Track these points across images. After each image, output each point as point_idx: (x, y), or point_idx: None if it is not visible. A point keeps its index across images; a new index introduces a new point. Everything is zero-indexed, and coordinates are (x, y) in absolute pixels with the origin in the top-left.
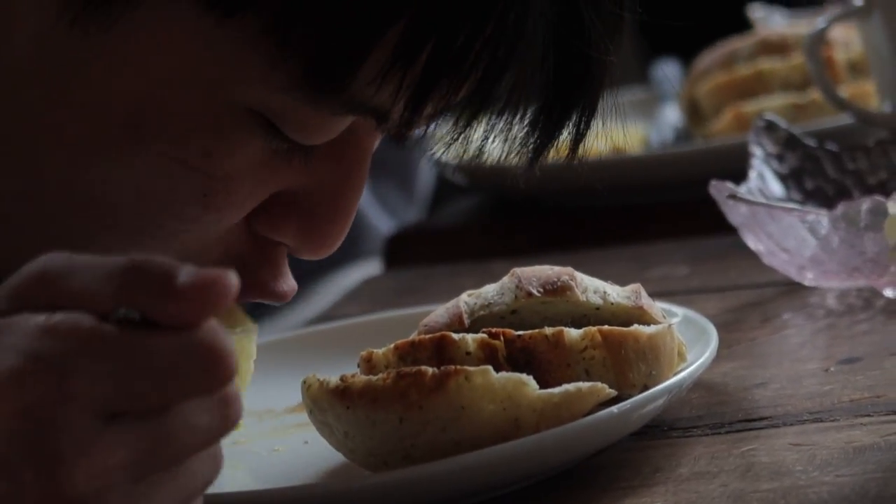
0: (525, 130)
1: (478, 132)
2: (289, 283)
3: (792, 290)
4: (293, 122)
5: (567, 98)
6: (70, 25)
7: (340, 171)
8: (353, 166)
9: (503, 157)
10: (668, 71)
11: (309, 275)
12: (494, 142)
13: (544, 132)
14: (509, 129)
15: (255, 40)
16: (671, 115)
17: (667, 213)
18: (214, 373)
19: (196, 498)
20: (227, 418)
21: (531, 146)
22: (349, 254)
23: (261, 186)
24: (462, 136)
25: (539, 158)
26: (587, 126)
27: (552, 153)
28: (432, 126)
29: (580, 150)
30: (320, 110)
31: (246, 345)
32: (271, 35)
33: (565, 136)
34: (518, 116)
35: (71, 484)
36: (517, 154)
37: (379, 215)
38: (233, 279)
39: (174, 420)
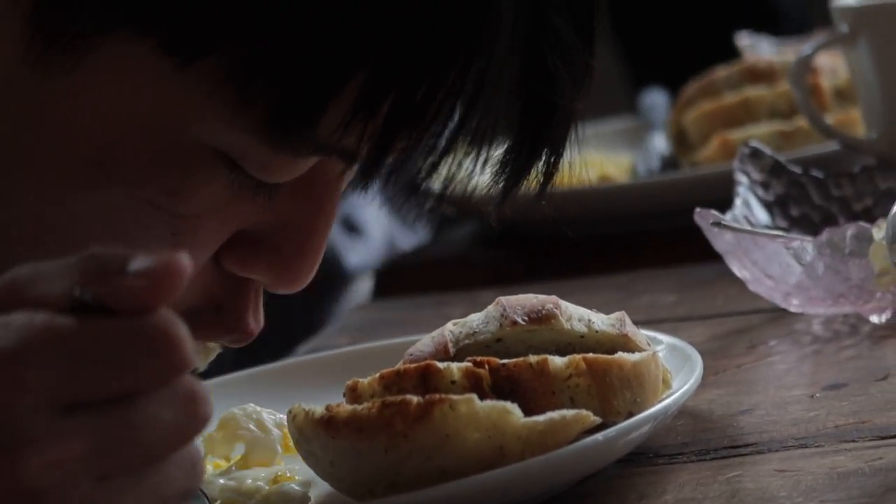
0: (494, 169)
1: (449, 168)
2: (258, 319)
3: (777, 316)
4: (256, 161)
5: (534, 140)
6: (34, 66)
7: (308, 208)
8: (321, 203)
9: (474, 192)
10: (655, 99)
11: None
12: (467, 177)
13: (513, 171)
14: (478, 167)
15: (216, 86)
16: (658, 144)
17: (653, 241)
18: (169, 358)
19: None
20: (196, 416)
21: (501, 184)
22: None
23: (226, 224)
24: (433, 170)
25: (509, 195)
26: (556, 166)
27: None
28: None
29: (549, 188)
30: (283, 153)
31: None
32: (232, 82)
33: (534, 175)
34: (485, 157)
35: (28, 474)
36: (488, 190)
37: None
38: (185, 262)
39: (136, 413)
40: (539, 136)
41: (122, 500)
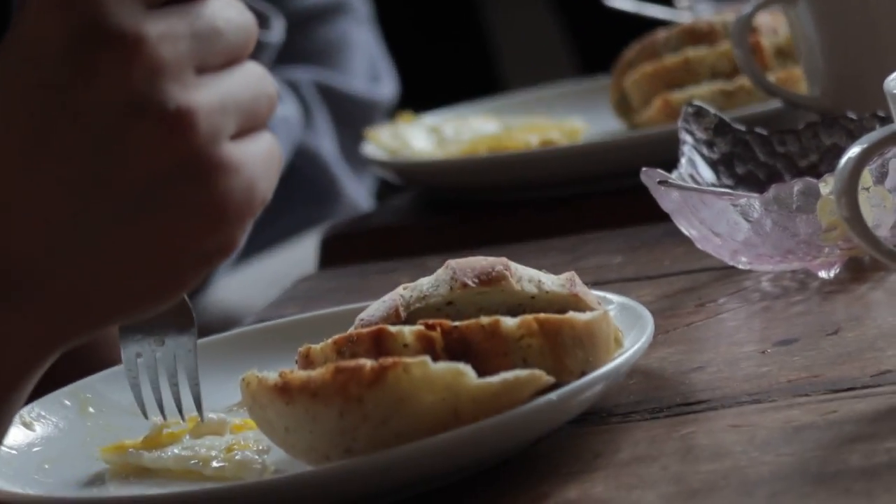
0: None
1: None
2: None
3: (726, 274)
4: None
5: None
6: None
7: None
8: None
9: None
10: None
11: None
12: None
13: None
14: None
15: None
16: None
17: (599, 203)
18: None
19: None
20: (251, 21)
21: None
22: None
23: None
24: None
25: None
26: None
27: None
28: None
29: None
30: None
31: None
32: None
33: None
34: None
35: (144, 50)
36: None
37: (354, 184)
38: None
39: (211, 9)
40: None
41: (219, 88)
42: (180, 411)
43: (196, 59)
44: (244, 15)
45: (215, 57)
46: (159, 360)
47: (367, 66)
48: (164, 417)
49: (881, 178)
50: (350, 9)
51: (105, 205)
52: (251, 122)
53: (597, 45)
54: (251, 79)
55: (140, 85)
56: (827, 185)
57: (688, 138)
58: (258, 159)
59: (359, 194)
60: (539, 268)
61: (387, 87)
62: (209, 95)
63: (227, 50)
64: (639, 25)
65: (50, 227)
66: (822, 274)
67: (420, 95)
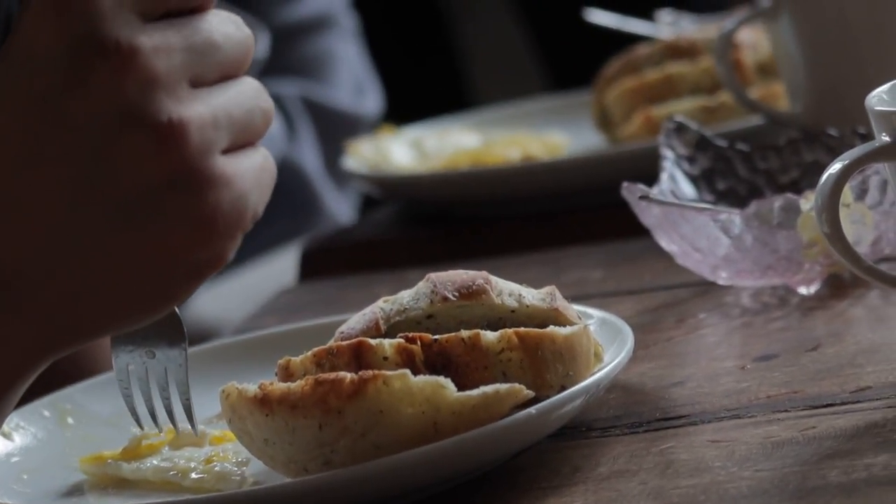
0: None
1: None
2: None
3: (706, 290)
4: None
5: None
6: None
7: None
8: None
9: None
10: None
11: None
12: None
13: None
14: None
15: None
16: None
17: (580, 218)
18: None
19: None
20: (248, 36)
21: None
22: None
23: None
24: None
25: None
26: None
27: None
28: None
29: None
30: None
31: None
32: None
33: None
34: None
35: (137, 66)
36: None
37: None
38: None
39: (208, 24)
40: None
41: (213, 101)
42: (174, 423)
43: (191, 73)
44: (242, 30)
45: (211, 71)
46: (150, 372)
47: (353, 80)
48: (159, 429)
49: (862, 194)
50: (336, 23)
51: (96, 214)
52: (245, 137)
53: (568, 59)
54: (247, 94)
55: (133, 96)
56: (808, 202)
57: (669, 154)
58: (250, 173)
59: (341, 208)
60: (520, 282)
61: (372, 101)
62: (202, 109)
63: (223, 64)
64: (611, 40)
65: (40, 235)
66: (803, 290)
67: (401, 108)
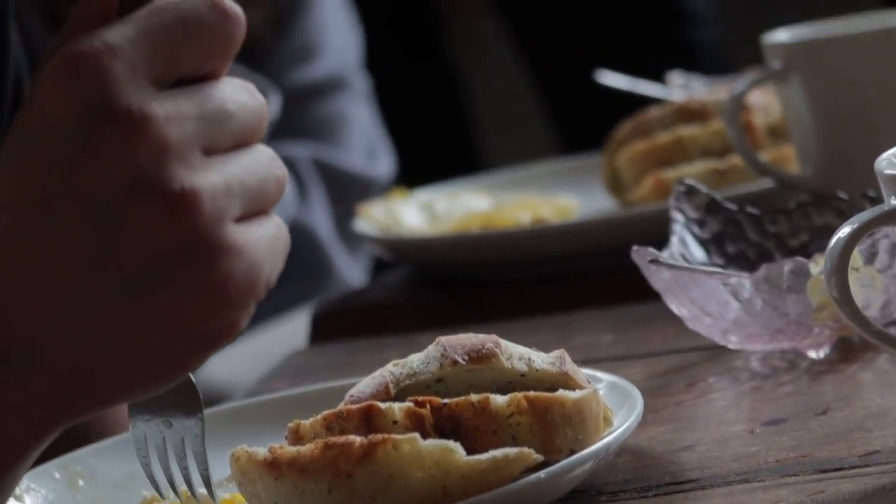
0: None
1: None
2: None
3: (716, 353)
4: None
5: None
6: None
7: None
8: None
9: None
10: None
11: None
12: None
13: None
14: None
15: None
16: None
17: (590, 281)
18: (232, 31)
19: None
20: (263, 104)
21: None
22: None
23: None
24: None
25: None
26: None
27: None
28: None
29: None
30: None
31: None
32: None
33: None
34: None
35: (149, 134)
36: None
37: (348, 261)
38: None
39: (221, 91)
40: None
41: (226, 170)
42: (193, 493)
43: (203, 141)
44: (255, 98)
45: (224, 139)
46: (168, 442)
47: (365, 143)
48: (179, 498)
49: (871, 258)
50: (348, 85)
51: (107, 283)
52: (258, 206)
53: (579, 121)
54: (260, 162)
55: (145, 164)
56: (817, 265)
57: (679, 217)
58: (263, 242)
59: (352, 271)
60: (529, 345)
61: (384, 164)
62: (215, 177)
63: (237, 132)
64: (622, 102)
65: (51, 303)
66: (812, 354)
67: (413, 171)
